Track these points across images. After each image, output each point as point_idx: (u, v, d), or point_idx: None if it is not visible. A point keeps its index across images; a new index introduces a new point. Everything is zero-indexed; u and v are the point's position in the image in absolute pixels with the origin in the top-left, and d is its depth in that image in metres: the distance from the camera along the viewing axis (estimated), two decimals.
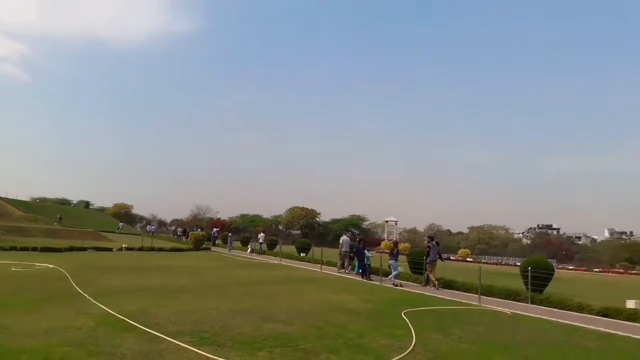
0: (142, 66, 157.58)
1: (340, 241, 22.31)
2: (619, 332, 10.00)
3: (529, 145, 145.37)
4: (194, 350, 6.55)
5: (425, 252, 17.70)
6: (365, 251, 19.66)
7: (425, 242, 18.54)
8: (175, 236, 51.19)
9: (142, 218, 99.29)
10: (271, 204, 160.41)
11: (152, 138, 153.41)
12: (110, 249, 29.46)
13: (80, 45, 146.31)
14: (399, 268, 17.91)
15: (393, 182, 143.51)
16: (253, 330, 8.09)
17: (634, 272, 43.48)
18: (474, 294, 14.56)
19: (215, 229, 44.05)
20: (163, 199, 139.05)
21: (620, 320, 11.69)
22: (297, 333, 8.06)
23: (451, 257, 49.80)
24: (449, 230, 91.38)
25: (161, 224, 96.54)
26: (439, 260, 17.68)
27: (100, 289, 12.36)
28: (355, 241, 23.31)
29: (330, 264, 23.75)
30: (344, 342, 7.59)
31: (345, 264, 21.36)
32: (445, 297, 14.61)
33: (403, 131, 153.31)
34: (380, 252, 19.74)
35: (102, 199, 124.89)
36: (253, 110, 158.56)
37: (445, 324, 9.88)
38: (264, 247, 33.03)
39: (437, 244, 18.19)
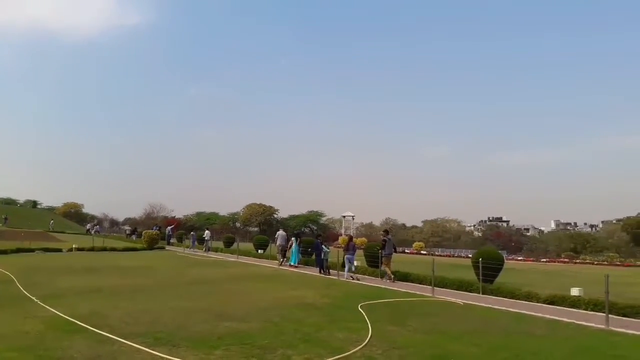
0: (93, 60, 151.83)
1: (276, 235, 23.51)
2: (564, 319, 10.48)
3: (480, 140, 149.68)
4: (148, 351, 6.43)
5: (380, 246, 18.00)
6: (323, 246, 19.79)
7: (381, 236, 18.82)
8: (127, 235, 49.97)
9: (93, 217, 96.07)
10: (228, 201, 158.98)
11: (104, 135, 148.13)
12: (59, 250, 28.46)
13: (28, 35, 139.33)
14: (355, 262, 18.20)
15: (349, 178, 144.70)
16: (209, 329, 8.01)
17: (578, 261, 45.56)
18: (428, 285, 14.92)
19: (169, 227, 43.16)
20: (116, 198, 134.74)
21: (565, 307, 12.23)
22: (253, 330, 8.03)
23: (406, 250, 50.70)
24: (403, 224, 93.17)
25: (113, 223, 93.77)
26: (394, 253, 18.03)
27: (49, 291, 11.93)
28: (314, 237, 23.48)
29: (288, 260, 23.78)
30: (301, 337, 7.62)
31: (282, 257, 22.64)
32: (400, 289, 14.91)
33: (360, 127, 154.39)
34: (338, 247, 19.97)
35: (51, 199, 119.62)
36: (208, 105, 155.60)
37: (400, 316, 10.09)
38: (210, 244, 32.59)
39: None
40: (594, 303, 11.74)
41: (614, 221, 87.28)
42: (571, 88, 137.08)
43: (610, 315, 10.05)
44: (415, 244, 58.79)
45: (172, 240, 40.19)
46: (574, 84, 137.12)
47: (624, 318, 10.76)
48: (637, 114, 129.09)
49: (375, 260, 18.93)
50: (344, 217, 69.31)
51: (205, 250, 31.97)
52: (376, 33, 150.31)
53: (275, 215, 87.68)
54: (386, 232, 19.51)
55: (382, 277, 17.57)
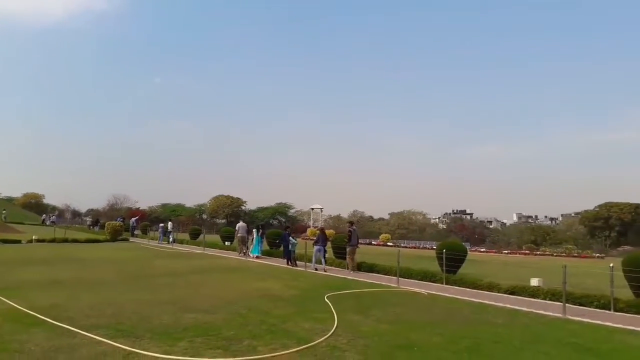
0: (58, 45, 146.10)
1: (237, 227, 23.73)
2: (524, 308, 10.81)
3: (446, 134, 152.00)
4: (109, 343, 6.31)
5: (347, 237, 18.14)
6: (291, 238, 19.80)
7: (347, 227, 19.00)
8: (89, 227, 48.84)
9: (54, 208, 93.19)
10: (194, 193, 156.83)
11: (67, 123, 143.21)
12: (18, 242, 27.54)
13: None
14: (325, 255, 18.32)
15: (318, 171, 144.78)
16: (173, 321, 7.91)
17: (538, 253, 46.95)
18: (394, 276, 15.13)
19: (133, 219, 42.31)
20: (79, 189, 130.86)
21: (525, 297, 12.60)
22: (219, 321, 7.99)
23: (372, 242, 51.23)
24: (371, 217, 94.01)
25: (75, 214, 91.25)
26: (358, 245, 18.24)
27: (6, 283, 11.59)
28: (283, 229, 23.48)
29: (249, 250, 23.69)
30: (267, 328, 7.62)
31: (243, 248, 23.00)
32: (366, 280, 15.07)
33: (329, 119, 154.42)
34: (306, 239, 20.07)
35: (10, 189, 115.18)
36: (175, 95, 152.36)
37: (365, 306, 10.21)
38: (172, 236, 32.25)
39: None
40: (552, 293, 12.14)
41: (573, 214, 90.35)
42: (534, 84, 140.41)
43: (567, 304, 10.43)
44: (382, 235, 59.40)
45: (136, 232, 39.42)
46: (538, 80, 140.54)
47: (580, 307, 11.18)
48: (597, 110, 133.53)
49: (342, 251, 19.07)
50: (313, 209, 69.37)
51: (162, 240, 31.76)
52: (348, 26, 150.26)
53: (243, 207, 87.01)
54: (351, 223, 19.76)
55: (353, 268, 17.73)
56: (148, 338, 6.69)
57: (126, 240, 33.48)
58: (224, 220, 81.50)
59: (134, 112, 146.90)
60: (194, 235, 35.40)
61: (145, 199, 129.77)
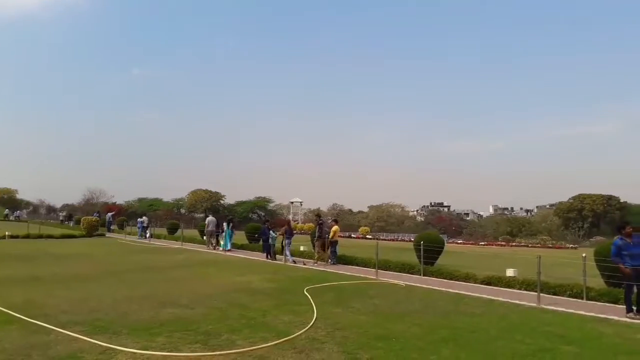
0: (32, 36, 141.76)
1: (206, 222, 24.52)
2: (500, 298, 11.01)
3: (424, 127, 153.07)
4: (86, 340, 6.22)
5: (318, 230, 18.41)
6: (271, 232, 19.77)
7: (315, 220, 19.24)
8: (62, 222, 48.01)
9: (28, 203, 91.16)
10: (172, 187, 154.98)
11: (41, 116, 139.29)
12: None
13: None
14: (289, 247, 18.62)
15: (298, 164, 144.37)
16: (151, 316, 7.85)
17: (513, 244, 47.86)
18: (373, 268, 15.25)
19: (109, 214, 41.70)
20: (54, 183, 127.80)
21: (500, 287, 12.83)
22: (197, 316, 7.95)
23: (352, 235, 51.52)
24: (350, 210, 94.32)
25: (50, 209, 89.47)
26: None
27: None
28: (262, 223, 23.48)
29: (234, 246, 23.62)
30: (246, 322, 7.62)
31: (213, 241, 23.73)
32: (345, 272, 15.17)
33: (309, 113, 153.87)
34: (295, 233, 20.37)
35: None
36: (153, 87, 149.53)
37: (345, 298, 10.28)
38: (149, 231, 32.00)
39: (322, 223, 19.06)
40: (527, 283, 12.38)
41: (548, 206, 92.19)
42: (511, 78, 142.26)
43: (541, 294, 10.68)
44: (361, 228, 59.83)
45: (112, 227, 38.90)
46: (514, 74, 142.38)
47: (554, 296, 11.43)
48: (571, 105, 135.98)
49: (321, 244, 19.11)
50: (292, 203, 69.48)
51: (140, 236, 31.60)
52: (328, 20, 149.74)
53: (222, 202, 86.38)
54: (318, 215, 20.07)
55: (326, 260, 17.83)
56: (125, 334, 6.63)
57: (102, 235, 33.00)
58: (202, 214, 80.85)
59: (112, 105, 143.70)
60: (172, 230, 35.06)
61: (122, 194, 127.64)
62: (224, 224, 23.49)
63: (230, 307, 8.89)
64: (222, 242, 23.17)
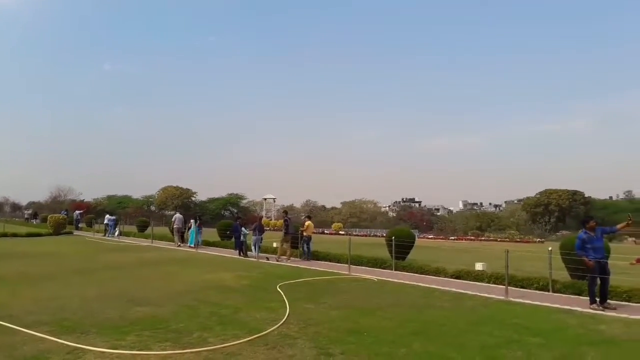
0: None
1: (173, 219, 24.96)
2: (469, 292, 11.21)
3: (396, 125, 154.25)
4: (53, 340, 6.08)
5: (283, 226, 18.57)
6: (243, 228, 19.67)
7: (282, 217, 19.41)
8: (27, 219, 46.72)
9: None
10: (142, 184, 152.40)
11: (7, 111, 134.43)
12: None
13: None
14: (259, 243, 18.81)
15: (272, 161, 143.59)
16: (120, 315, 7.72)
17: (483, 238, 48.81)
18: (345, 264, 15.34)
19: (77, 212, 40.76)
20: (19, 180, 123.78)
21: (470, 281, 13.07)
22: (168, 314, 7.85)
23: (325, 231, 51.66)
24: (323, 206, 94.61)
25: (15, 207, 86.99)
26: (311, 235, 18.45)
27: None
28: (234, 220, 23.38)
29: (206, 243, 23.43)
30: (217, 319, 7.56)
31: (180, 238, 23.93)
32: (318, 268, 15.21)
33: (281, 110, 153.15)
34: (265, 230, 20.42)
35: None
36: (123, 83, 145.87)
37: (317, 294, 10.31)
38: (119, 229, 31.66)
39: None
40: (496, 276, 12.65)
41: (516, 201, 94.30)
42: (480, 75, 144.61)
43: (509, 287, 10.92)
44: (334, 224, 60.01)
45: (80, 225, 38.06)
46: (483, 72, 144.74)
47: (521, 289, 11.70)
48: (538, 102, 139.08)
49: (295, 241, 19.15)
50: (265, 199, 69.09)
51: (106, 234, 31.11)
52: (304, 16, 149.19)
53: (193, 198, 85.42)
54: (286, 213, 20.21)
55: (289, 256, 17.94)
56: (94, 333, 6.50)
57: (70, 233, 32.28)
58: (173, 211, 79.76)
59: (82, 101, 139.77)
60: (142, 227, 34.48)
61: (91, 191, 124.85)
62: (192, 220, 23.54)
63: (202, 304, 8.81)
64: (189, 239, 23.30)
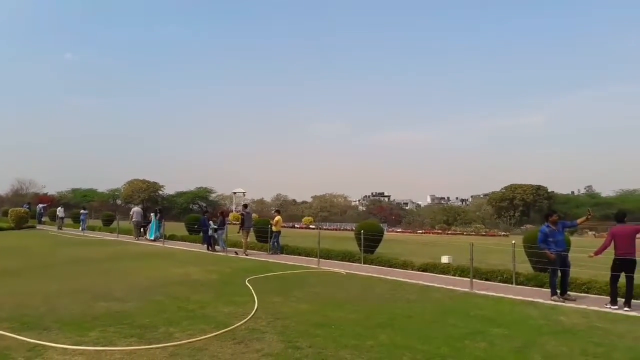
0: None
1: (131, 212, 25.14)
2: (435, 284, 11.41)
3: (366, 119, 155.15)
4: (12, 337, 5.92)
5: (240, 220, 18.61)
6: (210, 223, 19.49)
7: (241, 210, 19.47)
8: None
9: None
10: (108, 177, 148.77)
11: None
12: None
13: None
14: (222, 237, 18.90)
15: (242, 154, 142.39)
16: (84, 310, 7.56)
17: (449, 232, 49.63)
18: (315, 257, 15.39)
19: (41, 205, 39.62)
20: None
21: (436, 274, 13.29)
22: (133, 309, 7.73)
23: (295, 225, 51.67)
24: (294, 200, 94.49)
25: None
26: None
27: None
28: (203, 214, 23.16)
29: (174, 237, 23.13)
30: (184, 314, 7.49)
31: (140, 231, 24.11)
32: (288, 262, 15.22)
33: (252, 102, 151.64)
34: (228, 224, 20.25)
35: None
36: (87, 73, 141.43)
37: (286, 288, 10.32)
38: (64, 222, 31.69)
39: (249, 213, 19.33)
40: (461, 269, 12.91)
41: (482, 195, 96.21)
42: (446, 70, 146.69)
43: (474, 280, 11.18)
44: (305, 218, 60.06)
45: (43, 219, 37.02)
46: (450, 66, 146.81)
47: (486, 282, 11.99)
48: (502, 96, 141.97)
49: (264, 235, 19.11)
50: (235, 193, 68.60)
51: (58, 227, 30.75)
52: (275, 6, 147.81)
53: (161, 192, 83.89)
54: (245, 206, 20.25)
55: (273, 251, 17.90)
56: (56, 329, 6.35)
57: (33, 227, 31.35)
58: (139, 205, 78.40)
59: (42, 91, 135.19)
60: (107, 221, 33.76)
61: (54, 184, 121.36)
62: (152, 214, 24.05)
63: (168, 299, 8.71)
64: (149, 232, 23.67)
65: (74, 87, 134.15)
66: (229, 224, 21.49)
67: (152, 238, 22.86)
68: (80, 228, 29.83)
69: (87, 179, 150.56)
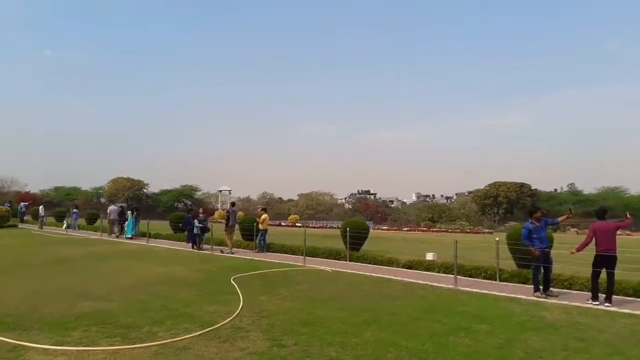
0: None
1: (108, 211, 25.77)
2: (420, 281, 11.49)
3: (353, 117, 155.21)
4: None
5: (225, 217, 18.58)
6: (195, 221, 19.34)
7: (228, 208, 19.44)
8: None
9: None
10: (92, 175, 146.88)
11: None
12: None
13: None
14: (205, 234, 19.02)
15: (228, 152, 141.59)
16: (67, 310, 7.47)
17: (434, 229, 49.96)
18: (301, 255, 15.39)
19: (22, 203, 38.99)
20: None
21: (421, 270, 13.39)
22: (117, 309, 7.66)
23: (282, 224, 51.60)
24: (280, 198, 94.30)
25: None
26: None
27: None
28: (188, 212, 23.07)
29: (158, 236, 22.94)
30: (168, 313, 7.43)
31: (115, 230, 24.41)
32: (274, 260, 15.18)
33: (240, 100, 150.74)
34: (214, 222, 20.03)
35: None
36: (69, 70, 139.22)
37: (272, 286, 10.31)
38: (66, 221, 30.81)
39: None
40: (446, 266, 13.00)
41: (466, 193, 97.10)
42: (432, 69, 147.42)
43: (458, 276, 11.26)
44: (291, 216, 59.97)
45: (25, 218, 36.43)
46: (435, 66, 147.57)
47: (470, 278, 12.08)
48: (487, 97, 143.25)
49: (250, 233, 19.05)
50: (220, 191, 68.20)
51: (39, 226, 30.23)
52: (261, 6, 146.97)
53: (145, 190, 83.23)
54: (232, 204, 20.22)
55: (258, 249, 17.87)
56: (37, 329, 6.27)
57: (15, 226, 30.83)
58: (124, 204, 77.58)
59: (23, 88, 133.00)
60: (91, 220, 33.37)
61: (37, 182, 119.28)
62: (129, 212, 24.42)
63: (152, 298, 8.63)
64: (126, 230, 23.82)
65: (55, 84, 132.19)
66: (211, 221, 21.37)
67: (130, 236, 23.05)
68: (64, 226, 29.50)
69: (70, 177, 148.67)
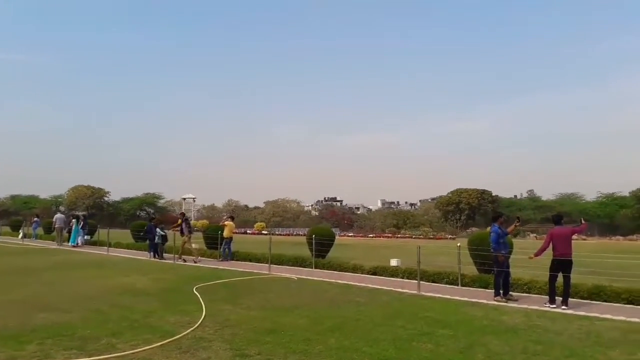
0: None
1: (54, 219, 26.05)
2: (384, 287, 11.60)
3: (318, 124, 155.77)
4: None
5: (179, 224, 18.36)
6: (157, 230, 18.97)
7: (180, 217, 19.36)
8: None
9: None
10: (50, 183, 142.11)
11: None
12: None
13: None
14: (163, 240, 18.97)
15: (192, 160, 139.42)
16: (22, 322, 7.19)
17: (399, 235, 50.62)
18: (266, 263, 15.30)
19: None
20: None
21: (385, 277, 13.53)
22: (75, 320, 7.42)
23: (247, 231, 51.22)
24: (246, 205, 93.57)
25: None
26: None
27: None
28: (150, 220, 22.57)
29: (119, 245, 22.41)
30: (128, 324, 7.25)
31: (62, 237, 24.76)
32: (238, 269, 15.04)
33: (204, 105, 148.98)
34: (176, 230, 19.69)
35: None
36: (28, 74, 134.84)
37: (236, 295, 10.20)
38: (23, 231, 30.01)
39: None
40: (409, 272, 13.17)
41: (429, 200, 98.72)
42: (395, 78, 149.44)
43: (421, 282, 11.40)
44: (257, 224, 59.63)
45: None
46: (397, 73, 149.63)
47: (433, 284, 12.26)
48: (449, 103, 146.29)
49: (214, 242, 18.83)
50: (184, 199, 67.21)
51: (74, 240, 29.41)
52: (237, 11, 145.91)
53: (106, 198, 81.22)
54: (182, 214, 20.46)
55: (223, 258, 17.75)
56: None
57: None
58: (84, 212, 75.38)
59: None
60: (49, 229, 32.25)
61: None
62: (73, 220, 24.65)
63: (112, 309, 8.42)
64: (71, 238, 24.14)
65: (11, 88, 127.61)
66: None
67: (74, 244, 23.20)
68: (21, 235, 28.57)
69: (28, 185, 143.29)
